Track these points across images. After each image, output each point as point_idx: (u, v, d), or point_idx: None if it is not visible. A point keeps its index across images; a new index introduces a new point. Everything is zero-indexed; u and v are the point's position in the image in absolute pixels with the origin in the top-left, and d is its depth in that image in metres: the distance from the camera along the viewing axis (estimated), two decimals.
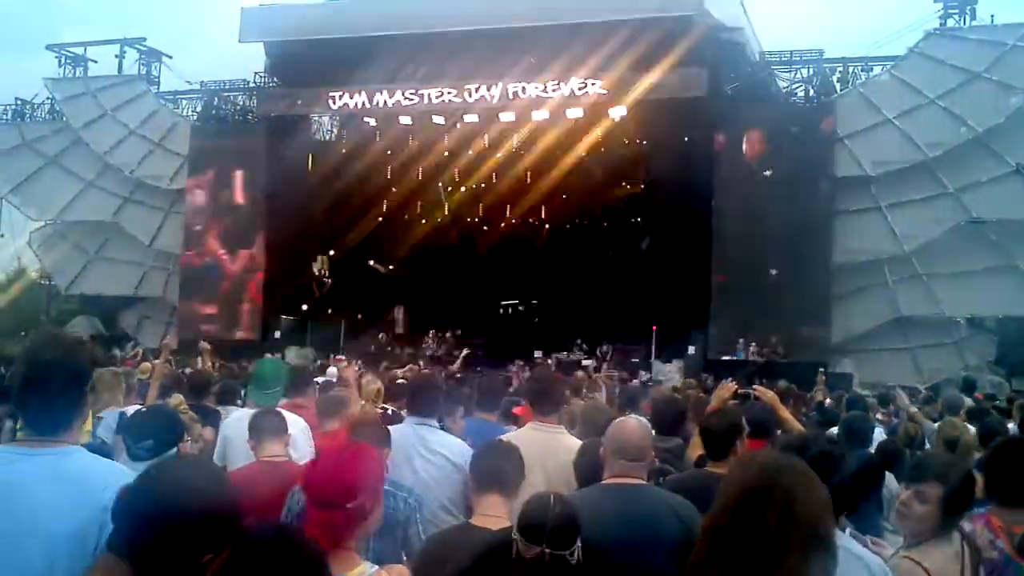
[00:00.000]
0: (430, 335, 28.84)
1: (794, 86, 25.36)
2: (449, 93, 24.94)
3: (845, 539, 3.18)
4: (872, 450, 6.52)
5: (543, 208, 30.48)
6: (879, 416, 10.45)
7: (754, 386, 7.54)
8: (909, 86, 23.12)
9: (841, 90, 24.23)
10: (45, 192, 30.23)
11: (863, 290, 23.54)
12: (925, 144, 22.61)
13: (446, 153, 27.80)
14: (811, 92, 24.76)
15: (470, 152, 27.23)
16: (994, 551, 3.82)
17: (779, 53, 25.80)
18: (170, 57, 31.98)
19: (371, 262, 30.75)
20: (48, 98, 31.05)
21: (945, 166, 22.57)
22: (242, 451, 5.63)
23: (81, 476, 2.71)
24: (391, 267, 31.41)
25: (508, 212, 30.78)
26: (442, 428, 5.65)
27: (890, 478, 5.75)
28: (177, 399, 7.32)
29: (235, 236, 27.97)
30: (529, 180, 28.41)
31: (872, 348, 23.66)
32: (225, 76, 30.32)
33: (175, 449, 4.35)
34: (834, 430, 7.44)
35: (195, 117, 29.52)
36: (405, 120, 26.61)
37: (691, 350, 23.66)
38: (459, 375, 13.61)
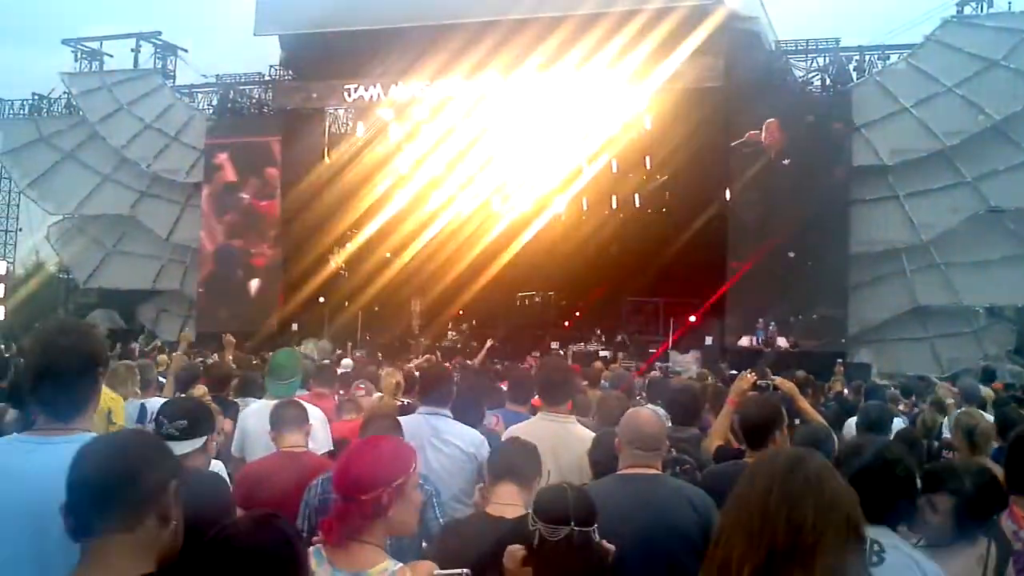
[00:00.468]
0: (448, 326, 28.87)
1: (810, 75, 25.20)
2: (465, 84, 24.91)
3: (898, 540, 3.15)
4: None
5: (560, 199, 30.39)
6: (901, 407, 10.42)
7: (773, 376, 7.53)
8: (926, 74, 22.95)
9: (858, 79, 24.07)
10: (62, 186, 30.41)
11: (881, 280, 23.39)
12: (942, 133, 22.45)
13: (462, 144, 27.77)
14: (827, 81, 24.62)
15: (486, 143, 27.17)
16: (1019, 542, 3.79)
17: (795, 42, 25.63)
18: (185, 51, 32.18)
19: (388, 254, 30.73)
20: (64, 93, 31.22)
21: (963, 155, 22.41)
22: (260, 443, 5.67)
23: None
24: (407, 258, 31.39)
25: (525, 203, 30.70)
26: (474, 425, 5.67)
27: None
28: (201, 390, 7.35)
29: (251, 229, 28.06)
30: (545, 171, 28.36)
31: (890, 338, 23.53)
32: (240, 69, 30.41)
33: (206, 438, 4.36)
34: (852, 420, 7.43)
35: (211, 110, 29.62)
36: (421, 111, 26.56)
37: (708, 340, 23.61)
38: (481, 368, 13.63)
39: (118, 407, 6.52)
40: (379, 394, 8.02)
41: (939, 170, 22.71)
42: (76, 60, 31.53)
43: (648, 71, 22.94)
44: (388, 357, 19.64)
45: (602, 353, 22.53)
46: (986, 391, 11.09)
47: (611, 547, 3.21)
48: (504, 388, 7.64)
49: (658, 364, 21.41)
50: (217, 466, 5.11)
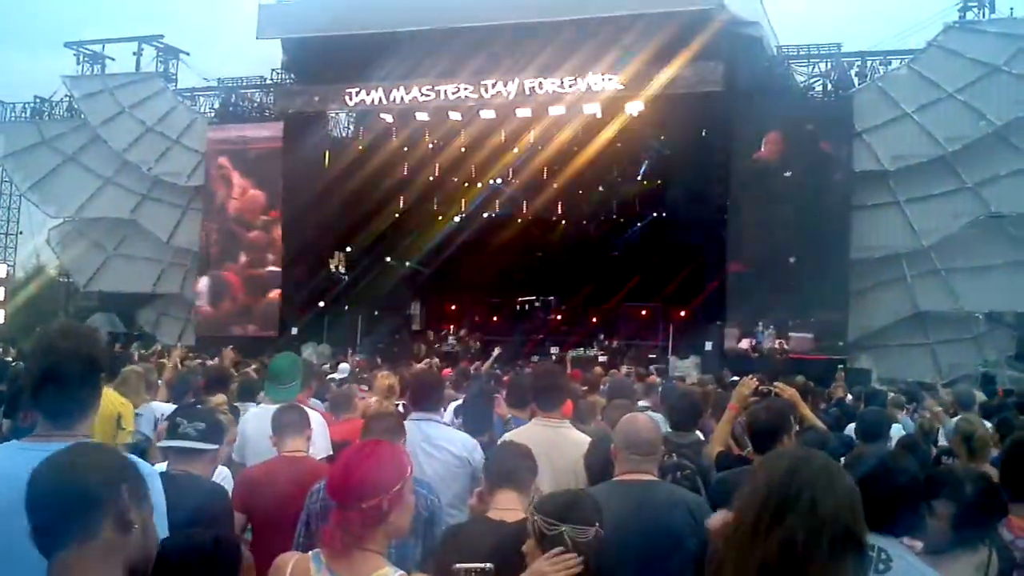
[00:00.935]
0: (449, 331, 28.88)
1: (812, 80, 25.24)
2: (466, 89, 24.88)
3: (904, 550, 3.13)
4: (892, 445, 6.50)
5: (559, 204, 30.43)
6: (902, 413, 10.36)
7: (775, 383, 7.52)
8: (927, 80, 22.95)
9: (859, 84, 24.07)
10: (63, 189, 30.40)
11: (881, 285, 23.39)
12: (944, 138, 22.44)
13: (463, 149, 27.80)
14: (829, 86, 24.64)
15: (486, 148, 27.19)
16: (1017, 551, 3.79)
17: (796, 47, 25.65)
18: (187, 54, 32.15)
19: (388, 258, 30.74)
20: (66, 96, 31.21)
21: (964, 160, 22.41)
22: (259, 448, 5.67)
23: None
24: (407, 263, 31.42)
25: (524, 208, 30.76)
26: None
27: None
28: (220, 398, 7.34)
29: (252, 233, 28.04)
30: (546, 176, 28.41)
31: (890, 343, 23.54)
32: (242, 73, 30.42)
33: (216, 448, 4.44)
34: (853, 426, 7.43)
35: (212, 114, 29.61)
36: (422, 116, 26.50)
37: (708, 346, 23.59)
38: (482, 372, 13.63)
39: (128, 413, 6.53)
40: (373, 397, 8.03)
41: (940, 175, 22.70)
42: (78, 63, 31.53)
43: (649, 76, 22.96)
44: (387, 361, 19.64)
45: (600, 359, 22.53)
46: (980, 397, 11.06)
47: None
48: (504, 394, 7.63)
49: (653, 368, 21.37)
50: (224, 473, 5.14)
